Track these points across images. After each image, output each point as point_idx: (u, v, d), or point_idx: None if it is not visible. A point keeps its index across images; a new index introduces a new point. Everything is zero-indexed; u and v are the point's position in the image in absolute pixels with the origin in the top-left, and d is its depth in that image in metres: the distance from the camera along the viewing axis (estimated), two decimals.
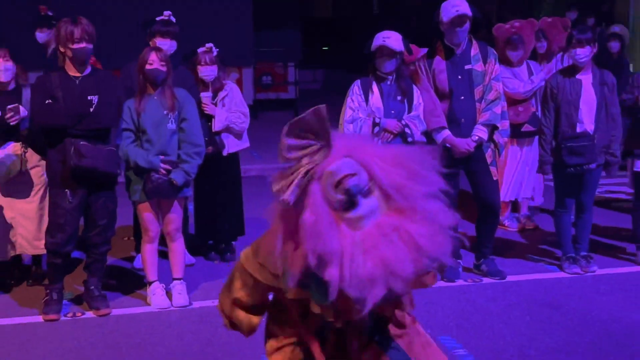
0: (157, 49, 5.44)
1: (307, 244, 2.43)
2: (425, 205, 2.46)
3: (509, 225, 7.36)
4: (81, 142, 5.12)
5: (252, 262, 2.79)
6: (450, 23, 5.59)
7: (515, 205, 7.60)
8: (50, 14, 13.85)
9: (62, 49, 5.24)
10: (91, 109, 5.20)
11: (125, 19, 13.60)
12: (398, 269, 2.34)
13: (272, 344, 2.94)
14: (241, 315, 2.99)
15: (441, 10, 5.64)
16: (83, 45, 5.16)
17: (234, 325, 3.07)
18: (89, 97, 5.20)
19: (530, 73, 6.96)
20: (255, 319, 2.99)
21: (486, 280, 5.96)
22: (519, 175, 7.03)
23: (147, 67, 5.29)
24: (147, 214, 5.46)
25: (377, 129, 5.51)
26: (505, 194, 7.08)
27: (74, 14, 5.31)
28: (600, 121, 5.84)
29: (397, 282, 2.35)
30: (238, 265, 2.87)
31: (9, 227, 5.85)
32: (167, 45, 5.92)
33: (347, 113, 5.56)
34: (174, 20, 6.16)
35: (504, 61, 6.72)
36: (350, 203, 2.41)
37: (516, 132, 6.75)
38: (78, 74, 5.26)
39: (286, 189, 2.43)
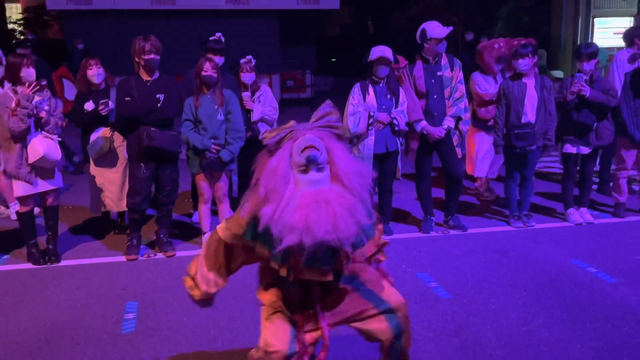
0: (210, 60, 5.44)
1: (263, 180, 2.51)
2: (354, 199, 2.49)
3: (487, 196, 7.21)
4: (152, 129, 5.19)
5: (223, 230, 2.82)
6: (437, 40, 5.60)
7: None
8: (81, 46, 13.88)
9: (136, 59, 5.26)
10: (159, 105, 5.25)
11: (186, 37, 13.63)
12: (313, 230, 2.38)
13: (261, 288, 2.94)
14: (205, 273, 2.92)
15: (427, 30, 5.61)
16: (152, 56, 5.21)
17: (192, 287, 3.00)
18: (157, 96, 5.25)
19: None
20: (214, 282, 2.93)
21: (452, 232, 6.00)
22: (488, 157, 6.95)
23: (203, 73, 5.33)
24: (202, 183, 5.52)
25: (371, 120, 5.52)
26: (480, 171, 7.05)
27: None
28: (539, 114, 5.84)
29: (308, 239, 2.38)
30: (211, 236, 2.91)
31: (99, 190, 5.90)
32: (217, 60, 5.96)
33: (349, 108, 5.59)
34: (223, 39, 6.17)
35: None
36: (305, 167, 2.47)
37: (486, 125, 6.70)
38: (149, 78, 5.30)
39: (271, 137, 2.53)
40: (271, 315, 2.83)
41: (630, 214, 6.44)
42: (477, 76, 6.81)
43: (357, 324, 2.93)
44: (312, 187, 2.45)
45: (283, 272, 2.63)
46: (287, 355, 2.73)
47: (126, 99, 5.23)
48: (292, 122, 2.59)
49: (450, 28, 5.61)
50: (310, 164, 2.46)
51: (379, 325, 2.90)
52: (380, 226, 2.97)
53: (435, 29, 5.61)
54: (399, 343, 2.96)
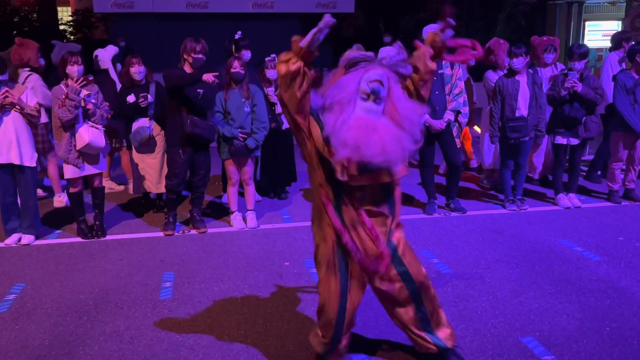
0: (238, 58, 5.45)
1: (331, 91, 2.58)
2: (405, 130, 2.55)
3: (486, 184, 7.08)
4: (195, 117, 5.20)
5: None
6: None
7: (481, 168, 7.36)
8: (123, 44, 13.94)
9: (185, 56, 5.24)
10: (199, 97, 5.26)
11: (216, 38, 13.60)
12: (362, 150, 2.45)
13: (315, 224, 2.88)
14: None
15: (425, 32, 5.56)
16: (200, 56, 5.20)
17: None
18: (198, 90, 5.24)
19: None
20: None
21: (453, 214, 5.97)
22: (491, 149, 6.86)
23: (232, 70, 5.34)
24: (231, 167, 5.54)
25: None
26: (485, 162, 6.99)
27: (189, 35, 5.37)
28: (532, 108, 5.78)
29: (357, 156, 2.46)
30: None
31: (139, 173, 5.97)
32: (248, 54, 5.99)
33: None
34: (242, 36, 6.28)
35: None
36: (367, 95, 2.55)
37: None
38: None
39: (351, 58, 2.62)
40: (324, 275, 2.84)
41: (624, 200, 6.37)
42: (490, 74, 6.65)
43: (379, 285, 2.88)
44: (365, 114, 2.53)
45: (339, 169, 2.59)
46: (339, 308, 2.81)
47: (178, 72, 5.16)
48: (371, 53, 2.65)
49: (451, 31, 5.54)
50: (372, 94, 2.55)
51: (398, 287, 2.88)
52: None
53: (431, 28, 5.57)
54: (421, 306, 2.94)
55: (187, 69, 5.24)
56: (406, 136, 2.55)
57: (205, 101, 5.31)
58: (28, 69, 6.09)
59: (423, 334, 3.00)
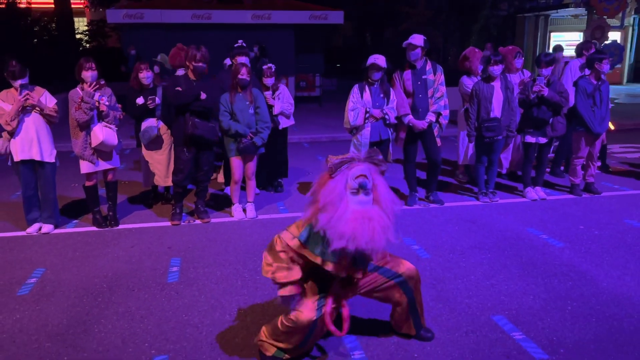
0: (245, 65, 5.37)
1: (322, 195, 2.61)
2: (388, 221, 2.60)
3: (462, 179, 7.07)
4: (196, 119, 5.13)
5: (285, 238, 2.80)
6: (406, 48, 5.56)
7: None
8: (133, 52, 13.81)
9: (187, 63, 5.20)
10: (203, 101, 5.18)
11: (219, 46, 13.53)
12: (357, 239, 2.50)
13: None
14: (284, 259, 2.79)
15: (410, 41, 5.56)
16: (200, 64, 5.14)
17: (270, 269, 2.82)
18: (201, 94, 5.18)
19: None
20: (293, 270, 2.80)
21: (432, 205, 5.98)
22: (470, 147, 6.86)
23: (239, 76, 5.27)
24: (236, 164, 5.45)
25: (367, 114, 5.49)
26: (463, 159, 6.97)
27: (194, 44, 5.32)
28: (504, 110, 5.79)
29: (352, 245, 2.51)
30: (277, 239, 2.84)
31: (149, 169, 5.94)
32: (244, 59, 5.95)
33: (349, 104, 5.52)
34: (245, 45, 6.19)
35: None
36: (357, 191, 2.59)
37: None
38: (195, 79, 5.21)
39: (335, 164, 2.62)
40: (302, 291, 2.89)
41: (585, 193, 6.39)
42: (465, 79, 6.62)
43: (377, 294, 3.03)
44: (359, 206, 2.58)
45: (329, 268, 2.70)
46: (314, 320, 2.80)
47: (176, 89, 5.11)
48: (350, 154, 2.70)
49: (418, 41, 5.53)
50: (361, 188, 2.59)
51: (395, 294, 3.02)
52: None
53: (413, 38, 5.58)
54: (414, 303, 3.07)
55: (190, 74, 5.21)
56: (391, 227, 2.61)
57: (209, 103, 5.25)
58: (182, 69, 6.23)
59: (410, 318, 3.12)
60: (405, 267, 3.01)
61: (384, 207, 2.61)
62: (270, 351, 2.96)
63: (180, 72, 5.92)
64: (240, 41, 6.29)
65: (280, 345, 2.92)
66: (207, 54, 5.19)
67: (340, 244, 2.52)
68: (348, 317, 2.86)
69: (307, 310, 2.79)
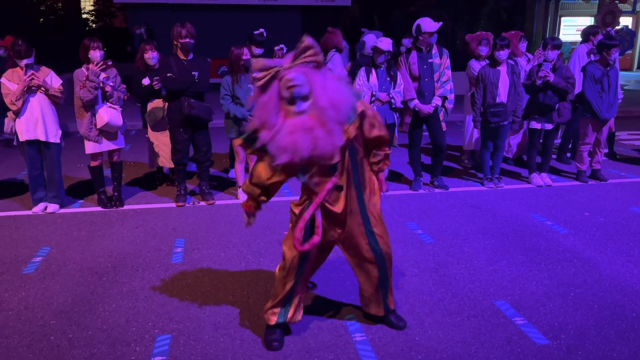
0: (248, 46, 5.35)
1: (257, 113, 2.57)
2: (330, 123, 2.52)
3: (467, 164, 7.08)
4: (191, 100, 5.11)
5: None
6: (429, 34, 5.49)
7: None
8: (138, 32, 13.72)
9: (175, 42, 5.11)
10: (195, 79, 5.13)
11: (224, 27, 13.47)
12: (299, 151, 2.47)
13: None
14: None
15: (422, 25, 5.48)
16: (187, 40, 5.05)
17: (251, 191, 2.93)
18: (192, 72, 5.11)
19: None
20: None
21: (437, 190, 5.97)
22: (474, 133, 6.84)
23: (244, 57, 5.26)
24: (239, 146, 5.48)
25: (373, 98, 5.47)
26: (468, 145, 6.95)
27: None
28: (510, 95, 5.75)
29: (296, 157, 2.48)
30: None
31: (154, 150, 5.94)
32: (257, 51, 5.90)
33: (355, 87, 5.50)
34: (265, 34, 6.07)
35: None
36: (292, 100, 2.51)
37: None
38: (185, 58, 5.14)
39: (261, 78, 2.55)
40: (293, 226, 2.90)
41: (591, 180, 6.35)
42: (473, 63, 6.53)
43: (353, 255, 2.96)
44: (298, 116, 2.50)
45: (300, 178, 2.72)
46: (298, 254, 2.84)
47: (168, 74, 5.08)
48: (276, 61, 2.59)
49: (440, 23, 5.49)
50: (295, 99, 2.51)
51: (368, 264, 2.96)
52: (374, 115, 2.83)
53: (428, 24, 5.49)
54: (385, 280, 3.02)
55: (179, 53, 5.13)
56: (336, 127, 2.52)
57: (200, 84, 5.18)
58: (334, 49, 6.88)
59: (379, 295, 3.07)
60: (388, 246, 2.97)
61: (326, 106, 2.50)
62: (272, 320, 3.00)
63: (330, 53, 6.20)
64: (261, 30, 6.16)
65: (278, 297, 2.94)
66: (192, 29, 5.09)
67: (283, 158, 2.50)
68: (320, 224, 2.80)
69: (291, 247, 2.85)
